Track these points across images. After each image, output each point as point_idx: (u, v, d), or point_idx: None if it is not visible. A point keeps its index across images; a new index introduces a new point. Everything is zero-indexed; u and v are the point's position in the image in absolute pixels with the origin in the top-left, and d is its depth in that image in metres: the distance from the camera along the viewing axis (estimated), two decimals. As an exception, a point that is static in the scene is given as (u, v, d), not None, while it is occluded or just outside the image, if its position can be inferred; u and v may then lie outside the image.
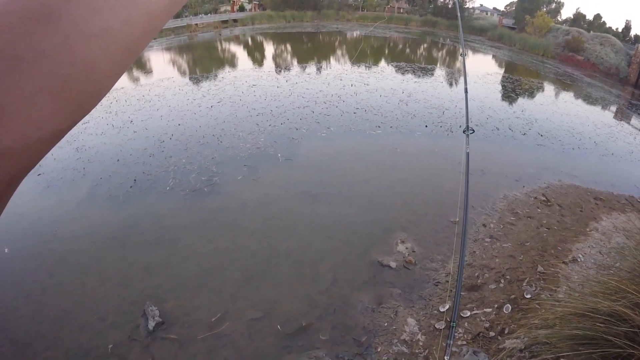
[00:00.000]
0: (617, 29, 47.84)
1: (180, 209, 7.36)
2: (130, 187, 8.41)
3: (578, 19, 59.05)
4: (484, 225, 6.40)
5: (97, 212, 7.74)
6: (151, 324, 4.71)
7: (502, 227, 6.40)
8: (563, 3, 59.04)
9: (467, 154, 3.90)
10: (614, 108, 17.34)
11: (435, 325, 4.41)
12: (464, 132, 4.13)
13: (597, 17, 52.87)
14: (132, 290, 5.46)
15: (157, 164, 9.24)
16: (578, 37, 31.64)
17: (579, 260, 5.50)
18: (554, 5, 56.42)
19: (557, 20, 49.25)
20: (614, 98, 19.37)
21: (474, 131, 4.21)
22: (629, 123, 14.93)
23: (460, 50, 5.94)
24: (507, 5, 65.18)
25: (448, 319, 4.46)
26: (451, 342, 2.50)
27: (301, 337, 4.45)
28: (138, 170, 9.07)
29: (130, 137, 11.43)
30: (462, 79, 19.21)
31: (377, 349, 4.19)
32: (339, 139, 10.04)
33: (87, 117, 14.21)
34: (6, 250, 7.04)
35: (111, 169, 9.44)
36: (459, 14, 4.94)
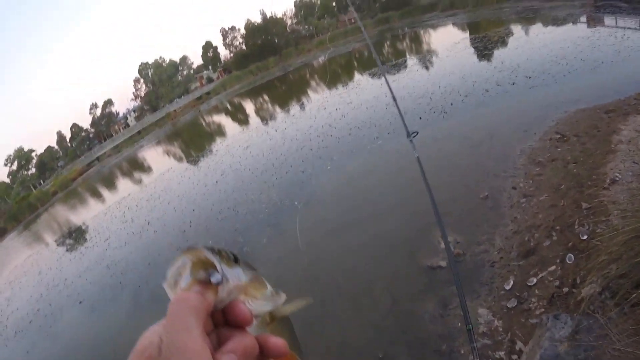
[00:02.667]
0: None
1: (223, 289, 7.38)
2: (168, 284, 8.49)
3: None
4: (514, 188, 6.26)
5: (147, 319, 7.67)
6: None
7: (531, 182, 6.25)
8: None
9: (418, 159, 3.87)
10: (583, 19, 17.08)
11: (508, 305, 4.31)
12: (407, 137, 4.10)
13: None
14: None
15: (186, 255, 9.33)
16: None
17: (617, 179, 5.28)
18: None
19: None
20: (579, 10, 19.06)
21: (417, 133, 4.17)
22: (603, 26, 14.70)
23: (378, 67, 5.99)
24: None
25: (517, 294, 4.37)
26: (474, 345, 2.43)
27: (383, 369, 4.36)
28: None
29: (152, 238, 11.65)
30: (433, 59, 19.38)
31: (461, 351, 4.10)
32: (345, 164, 10.09)
33: (106, 233, 14.71)
34: None
35: (146, 274, 9.59)
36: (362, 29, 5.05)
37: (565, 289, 4.03)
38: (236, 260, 0.51)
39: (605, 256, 3.63)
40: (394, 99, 4.93)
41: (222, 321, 0.47)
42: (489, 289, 4.64)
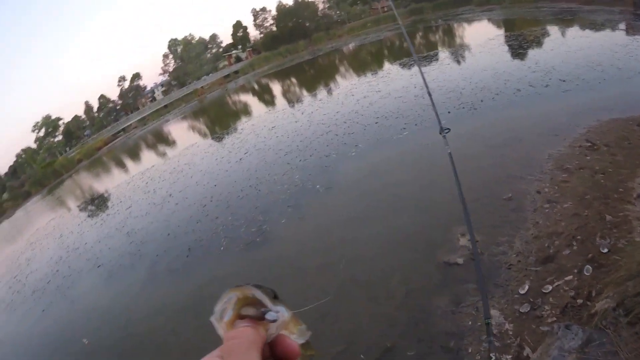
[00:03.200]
0: None
1: (239, 265, 7.50)
2: (187, 256, 8.67)
3: None
4: (538, 192, 6.16)
5: (163, 288, 8.02)
6: None
7: (556, 187, 6.14)
8: None
9: (450, 155, 3.81)
10: (622, 26, 16.51)
11: (520, 310, 4.28)
12: (440, 133, 4.03)
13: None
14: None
15: (205, 229, 9.50)
16: None
17: (644, 194, 5.21)
18: None
19: None
20: (618, 16, 18.44)
21: (449, 130, 4.10)
22: (641, 34, 14.29)
23: (412, 56, 5.88)
24: None
25: (531, 300, 4.34)
26: (492, 339, 2.42)
27: (388, 358, 4.40)
28: (189, 240, 9.35)
29: (173, 210, 11.84)
30: (466, 54, 19.02)
31: (468, 350, 4.10)
32: (370, 152, 10.05)
33: (128, 202, 15.01)
34: (85, 341, 7.40)
35: (164, 245, 9.78)
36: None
37: (580, 301, 3.98)
38: (275, 297, 0.55)
39: (624, 272, 3.60)
40: (429, 93, 4.87)
41: (269, 354, 0.51)
42: (503, 291, 4.61)
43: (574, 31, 18.02)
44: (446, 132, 4.04)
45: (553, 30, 19.58)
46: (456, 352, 4.10)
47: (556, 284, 4.37)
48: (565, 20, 21.16)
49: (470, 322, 4.38)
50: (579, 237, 4.86)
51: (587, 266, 4.34)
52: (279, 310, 0.53)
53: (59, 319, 9.10)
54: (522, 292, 4.48)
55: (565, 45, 14.69)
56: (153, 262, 9.20)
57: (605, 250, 4.41)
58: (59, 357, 7.61)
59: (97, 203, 19.76)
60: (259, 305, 0.51)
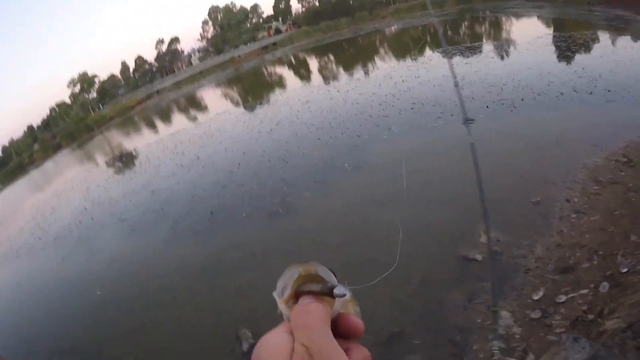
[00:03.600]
0: None
1: (260, 233, 7.56)
2: (209, 219, 8.79)
3: None
4: (568, 201, 5.96)
5: (183, 248, 8.15)
6: (245, 346, 4.87)
7: (586, 199, 5.93)
8: None
9: (472, 145, 3.69)
10: None
11: (531, 315, 4.18)
12: (463, 124, 3.92)
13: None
14: (225, 316, 5.68)
15: (230, 194, 9.58)
16: None
17: (675, 220, 4.98)
18: None
19: None
20: None
21: (473, 120, 3.97)
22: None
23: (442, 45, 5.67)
24: None
25: (543, 307, 4.24)
26: (498, 327, 2.36)
27: (394, 343, 4.38)
28: (213, 203, 9.45)
29: (200, 173, 11.98)
30: (511, 49, 18.45)
31: (473, 347, 4.04)
32: (402, 138, 9.87)
33: (156, 161, 15.24)
34: (98, 292, 7.62)
35: (188, 206, 9.92)
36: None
37: (591, 316, 3.87)
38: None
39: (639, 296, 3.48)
40: (455, 84, 4.75)
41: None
42: (517, 294, 4.51)
43: (625, 41, 17.21)
44: (470, 123, 3.97)
45: (604, 36, 18.75)
46: (462, 347, 4.08)
47: (571, 295, 4.27)
48: (618, 28, 20.25)
49: (480, 320, 4.32)
50: (600, 253, 4.72)
51: (604, 283, 4.22)
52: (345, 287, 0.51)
53: (77, 268, 9.40)
54: (535, 298, 4.38)
55: (615, 54, 14.05)
56: (175, 222, 9.36)
57: (625, 270, 4.27)
58: (71, 303, 7.89)
59: (125, 160, 20.20)
60: (320, 283, 0.49)
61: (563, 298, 4.24)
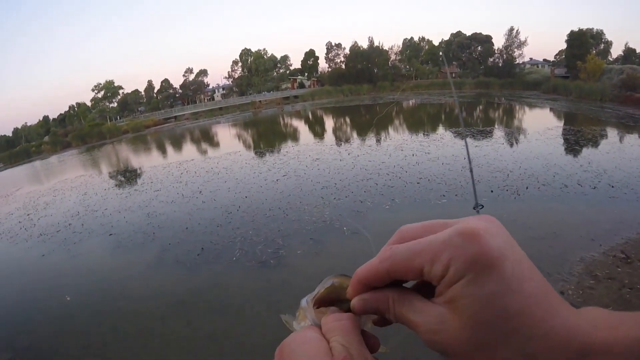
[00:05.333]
0: None
1: (246, 280, 7.44)
2: (198, 254, 8.68)
3: (629, 54, 56.46)
4: (562, 293, 5.90)
5: (165, 277, 8.01)
6: None
7: (581, 292, 5.91)
8: (611, 42, 56.67)
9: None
10: None
11: None
12: (474, 208, 3.99)
13: (648, 48, 50.53)
14: (195, 357, 5.50)
15: (224, 234, 9.51)
16: (632, 74, 30.34)
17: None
18: (602, 46, 54.71)
19: (609, 60, 47.55)
20: None
21: (482, 206, 4.05)
22: None
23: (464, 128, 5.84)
24: (556, 55, 64.13)
25: None
26: None
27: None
28: (206, 240, 9.37)
29: (199, 207, 11.95)
30: (521, 137, 18.79)
31: None
32: (404, 210, 9.90)
33: (158, 185, 15.27)
34: (68, 298, 7.48)
35: (180, 236, 9.83)
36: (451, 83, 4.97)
37: None
38: None
39: None
40: (470, 169, 4.82)
41: None
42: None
43: (633, 139, 17.67)
44: (480, 208, 4.02)
45: (612, 133, 19.28)
46: None
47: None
48: (627, 126, 20.88)
49: None
50: None
51: None
52: None
53: (54, 268, 9.26)
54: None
55: (622, 152, 14.39)
56: (163, 249, 9.25)
57: None
58: (40, 302, 7.72)
59: (128, 176, 20.24)
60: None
61: None
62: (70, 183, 20.25)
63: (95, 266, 9.03)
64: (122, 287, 7.79)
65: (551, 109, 30.40)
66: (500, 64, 54.69)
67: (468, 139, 18.79)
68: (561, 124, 24.21)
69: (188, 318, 6.42)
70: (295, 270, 7.61)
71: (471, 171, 4.64)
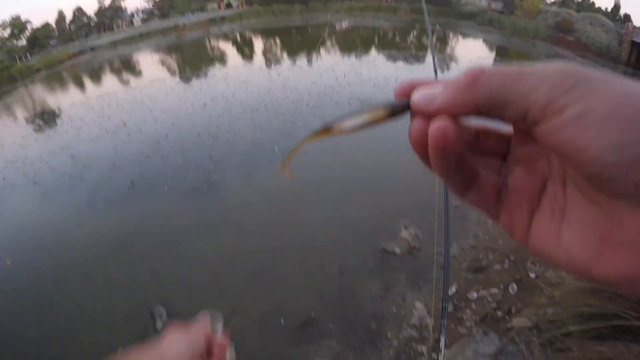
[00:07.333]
0: (606, 8, 47.21)
1: (181, 209, 7.35)
2: (129, 189, 8.40)
3: (567, 0, 58.52)
4: None
5: (98, 218, 7.72)
6: (159, 324, 4.73)
7: None
8: None
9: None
10: None
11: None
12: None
13: (587, -3, 52.62)
14: (138, 293, 5.48)
15: (153, 166, 9.21)
16: (568, 18, 31.44)
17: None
18: None
19: (546, 2, 48.99)
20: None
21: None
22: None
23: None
24: None
25: (455, 302, 4.47)
26: (445, 323, 2.48)
27: (310, 328, 4.46)
28: (134, 173, 9.04)
29: (124, 140, 11.40)
30: (452, 64, 19.21)
31: (387, 334, 4.19)
32: (336, 130, 9.98)
33: (79, 123, 14.33)
34: (8, 262, 6.99)
35: (108, 174, 9.41)
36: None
37: (500, 313, 4.17)
38: None
39: (545, 300, 3.79)
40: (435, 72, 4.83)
41: None
42: (431, 288, 4.73)
43: None
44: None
45: None
46: (376, 334, 4.23)
47: (481, 293, 4.54)
48: None
49: (394, 309, 4.50)
50: (512, 258, 5.07)
51: (513, 285, 4.52)
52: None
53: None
54: (449, 293, 4.60)
55: None
56: (93, 189, 8.84)
57: (533, 276, 4.61)
58: None
59: (46, 117, 18.76)
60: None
61: (475, 295, 4.54)
62: (-18, 136, 18.52)
63: (26, 221, 8.42)
64: (57, 237, 7.40)
65: (484, 40, 30.85)
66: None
67: (400, 63, 18.98)
68: (492, 55, 24.79)
69: (128, 257, 6.31)
70: (229, 195, 7.60)
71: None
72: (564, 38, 30.16)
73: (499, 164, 0.38)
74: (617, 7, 47.66)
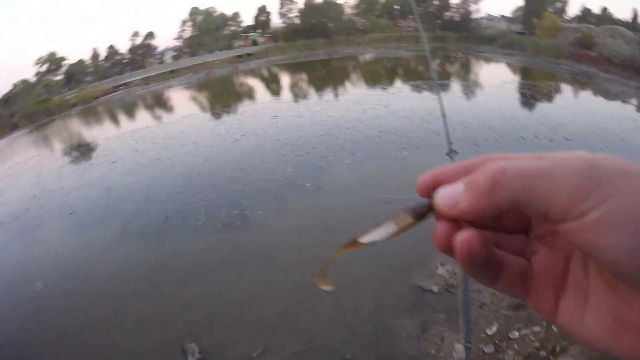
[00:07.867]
0: (625, 19, 46.55)
1: (213, 244, 7.41)
2: (162, 223, 8.53)
3: (585, 14, 57.92)
4: None
5: (131, 251, 7.84)
6: None
7: None
8: (568, 1, 58.27)
9: None
10: (635, 101, 16.87)
11: (484, 349, 4.27)
12: (447, 154, 3.97)
13: (604, 9, 51.90)
14: (169, 328, 5.47)
15: (187, 201, 9.35)
16: (588, 33, 31.14)
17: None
18: (559, 5, 55.95)
19: (565, 19, 48.64)
20: (634, 90, 18.87)
21: (457, 153, 4.05)
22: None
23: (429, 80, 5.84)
24: (513, 11, 65.08)
25: (496, 342, 4.34)
26: None
27: (346, 369, 4.37)
28: (168, 208, 9.19)
29: (158, 175, 11.65)
30: (478, 91, 19.12)
31: (426, 378, 4.08)
32: (366, 163, 9.98)
33: (113, 156, 14.74)
34: (39, 286, 7.15)
35: (142, 207, 9.61)
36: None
37: (543, 353, 4.01)
38: None
39: None
40: (443, 114, 4.83)
41: None
42: (471, 328, 4.61)
43: (586, 94, 18.29)
44: (454, 155, 3.98)
45: (567, 88, 19.84)
46: None
47: (523, 332, 4.38)
48: (581, 82, 21.46)
49: (433, 351, 4.37)
50: None
51: None
52: None
53: (19, 257, 8.84)
54: (489, 332, 4.48)
55: (576, 106, 14.90)
56: (126, 222, 9.03)
57: None
58: (8, 294, 7.44)
59: (82, 150, 19.41)
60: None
61: (516, 334, 4.38)
62: (23, 166, 19.21)
63: (60, 249, 8.68)
64: (89, 267, 7.56)
65: (507, 64, 30.79)
66: (456, 19, 54.64)
67: (425, 92, 19.05)
68: (517, 78, 24.65)
69: (158, 290, 6.35)
70: (261, 229, 7.62)
71: (444, 115, 4.62)
72: (586, 54, 29.79)
73: (523, 240, 0.40)
74: (635, 16, 46.73)
